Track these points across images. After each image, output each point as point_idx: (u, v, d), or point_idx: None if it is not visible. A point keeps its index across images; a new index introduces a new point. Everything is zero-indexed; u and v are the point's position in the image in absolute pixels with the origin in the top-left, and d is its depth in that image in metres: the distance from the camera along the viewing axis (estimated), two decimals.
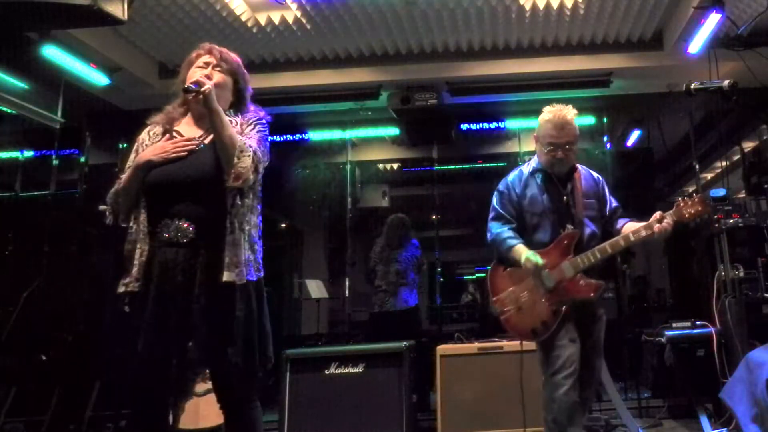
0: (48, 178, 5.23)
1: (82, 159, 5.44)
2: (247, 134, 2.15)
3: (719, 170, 6.58)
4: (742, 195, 5.81)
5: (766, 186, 5.00)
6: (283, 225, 8.77)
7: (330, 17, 4.63)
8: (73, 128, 5.23)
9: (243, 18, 4.58)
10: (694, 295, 5.73)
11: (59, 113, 4.66)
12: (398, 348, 3.92)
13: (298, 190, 7.51)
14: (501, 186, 2.88)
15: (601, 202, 2.87)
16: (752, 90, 4.81)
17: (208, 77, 2.13)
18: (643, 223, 2.66)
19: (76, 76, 4.64)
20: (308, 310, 7.73)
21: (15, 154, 5.62)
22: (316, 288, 6.84)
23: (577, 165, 2.88)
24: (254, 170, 2.09)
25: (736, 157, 6.62)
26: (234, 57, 2.29)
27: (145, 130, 2.25)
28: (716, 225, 4.33)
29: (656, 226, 2.59)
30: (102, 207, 2.16)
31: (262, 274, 2.15)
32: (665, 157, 7.32)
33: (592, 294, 2.69)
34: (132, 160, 2.16)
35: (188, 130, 2.21)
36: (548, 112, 2.80)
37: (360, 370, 3.89)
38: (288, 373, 3.89)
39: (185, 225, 2.04)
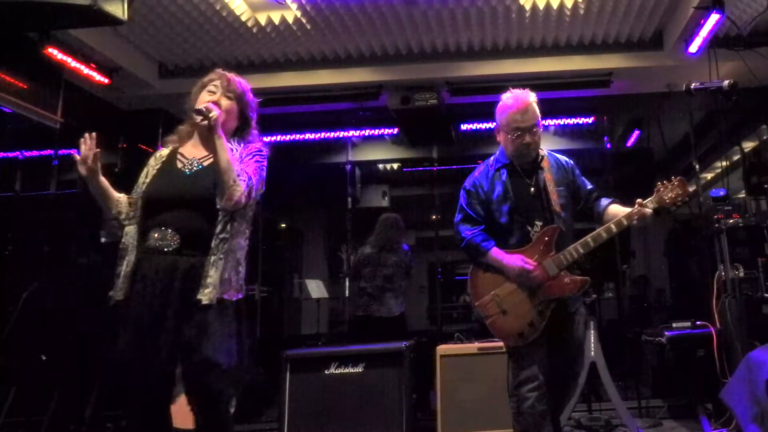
0: (48, 178, 5.23)
1: None
2: (245, 162, 2.31)
3: (719, 170, 6.58)
4: (742, 195, 5.81)
5: (766, 186, 5.00)
6: (283, 225, 8.77)
7: (330, 17, 4.63)
8: (73, 128, 5.23)
9: (243, 18, 4.58)
10: (694, 295, 5.73)
11: (59, 113, 4.66)
12: (398, 348, 3.92)
13: (298, 190, 7.50)
14: (468, 184, 2.78)
15: (571, 188, 2.79)
16: (752, 90, 4.82)
17: (217, 103, 2.29)
18: (626, 210, 2.60)
19: (76, 76, 4.64)
20: (308, 310, 7.73)
21: (15, 154, 5.61)
22: (316, 288, 6.85)
23: (543, 151, 2.79)
24: (247, 196, 2.23)
25: (736, 157, 6.61)
26: (243, 85, 2.43)
27: (154, 153, 2.42)
28: (716, 225, 4.33)
29: (634, 212, 2.56)
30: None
31: (242, 295, 2.27)
32: (665, 157, 7.32)
33: (577, 290, 2.63)
34: (139, 178, 2.34)
35: (192, 151, 2.38)
36: (508, 98, 2.71)
37: (360, 370, 3.89)
38: (288, 373, 3.88)
39: (171, 235, 2.19)
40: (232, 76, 2.41)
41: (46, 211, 5.11)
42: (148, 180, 2.31)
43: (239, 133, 2.41)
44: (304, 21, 4.66)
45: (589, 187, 2.83)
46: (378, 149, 7.21)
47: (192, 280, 2.14)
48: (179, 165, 2.33)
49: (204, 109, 2.21)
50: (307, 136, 6.30)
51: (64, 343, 4.59)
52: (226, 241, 2.20)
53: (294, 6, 4.52)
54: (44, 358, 4.43)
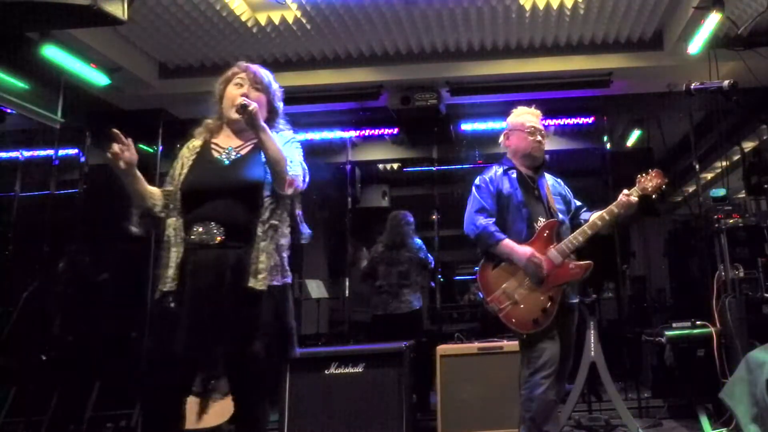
0: (48, 178, 5.23)
1: (82, 159, 5.43)
2: (287, 150, 2.27)
3: (719, 170, 6.57)
4: (742, 195, 5.81)
5: (766, 186, 5.01)
6: None
7: (330, 17, 4.63)
8: (73, 128, 5.23)
9: (243, 18, 4.58)
10: (694, 295, 5.73)
11: (59, 113, 4.66)
12: (398, 348, 3.93)
13: None
14: (479, 181, 2.99)
15: (565, 200, 3.07)
16: (752, 90, 4.81)
17: (246, 95, 2.26)
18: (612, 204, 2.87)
19: (76, 76, 4.64)
20: (308, 310, 7.72)
21: (15, 154, 5.61)
22: (316, 288, 6.84)
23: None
24: (303, 180, 2.26)
25: (736, 157, 6.61)
26: (267, 75, 2.42)
27: (186, 144, 2.37)
28: (716, 225, 4.33)
29: (622, 199, 2.85)
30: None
31: (288, 279, 2.25)
32: (665, 157, 7.31)
33: (583, 274, 2.83)
34: (173, 170, 2.31)
35: (227, 140, 2.34)
36: (522, 107, 3.10)
37: (360, 370, 3.89)
38: (288, 373, 3.89)
39: (216, 228, 2.14)
40: (255, 68, 2.38)
41: (46, 211, 5.11)
42: (185, 171, 2.26)
43: (269, 123, 2.35)
44: (304, 21, 4.66)
45: (579, 203, 3.12)
46: (378, 149, 7.20)
47: (242, 273, 2.10)
48: (216, 155, 2.29)
49: (245, 103, 2.15)
50: (307, 136, 6.29)
51: (64, 343, 4.59)
52: (274, 228, 2.19)
53: (294, 6, 4.52)
54: (44, 358, 4.43)
